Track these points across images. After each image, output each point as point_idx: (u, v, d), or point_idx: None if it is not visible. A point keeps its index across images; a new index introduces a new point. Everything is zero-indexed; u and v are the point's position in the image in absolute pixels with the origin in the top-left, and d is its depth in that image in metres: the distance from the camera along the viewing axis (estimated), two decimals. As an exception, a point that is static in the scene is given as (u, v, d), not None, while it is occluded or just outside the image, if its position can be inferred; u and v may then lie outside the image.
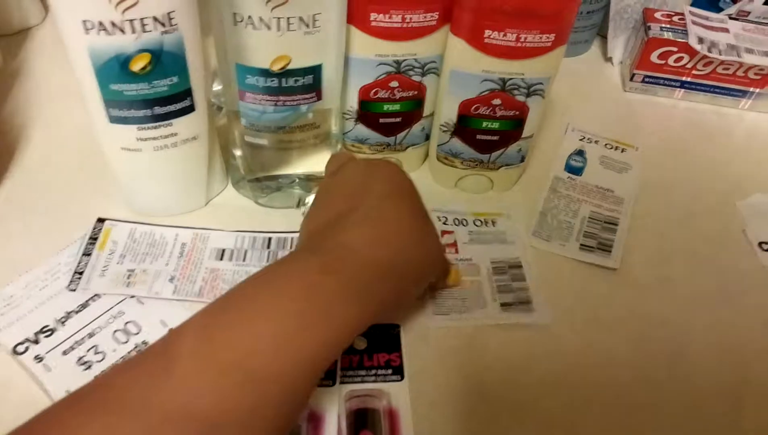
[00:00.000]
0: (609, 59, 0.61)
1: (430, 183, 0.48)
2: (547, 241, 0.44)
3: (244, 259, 0.42)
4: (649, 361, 0.38)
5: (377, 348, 0.38)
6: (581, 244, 0.45)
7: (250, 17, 0.34)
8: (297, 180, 0.45)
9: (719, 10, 0.61)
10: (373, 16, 0.38)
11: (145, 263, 0.41)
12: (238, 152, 0.43)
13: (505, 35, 0.37)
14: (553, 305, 0.40)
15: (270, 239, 0.43)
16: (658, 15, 0.56)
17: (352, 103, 0.43)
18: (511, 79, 0.40)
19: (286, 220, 0.44)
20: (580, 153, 0.51)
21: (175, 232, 0.43)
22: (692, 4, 0.65)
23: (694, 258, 0.45)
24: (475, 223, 0.45)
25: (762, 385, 0.38)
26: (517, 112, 0.42)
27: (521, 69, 0.39)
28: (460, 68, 0.40)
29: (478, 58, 0.39)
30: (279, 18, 0.34)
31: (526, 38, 0.37)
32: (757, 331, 0.41)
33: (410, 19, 0.38)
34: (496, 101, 0.41)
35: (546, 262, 0.43)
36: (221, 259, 0.42)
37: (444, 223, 0.44)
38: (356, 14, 0.38)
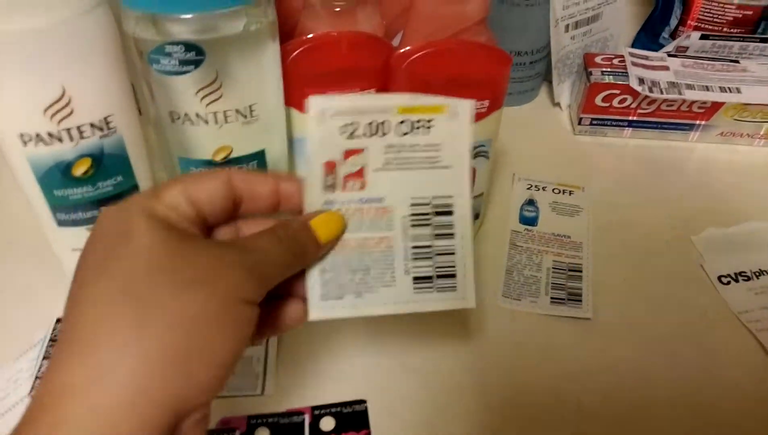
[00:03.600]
0: (557, 104, 0.62)
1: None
2: (518, 301, 0.44)
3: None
4: (616, 409, 0.38)
5: (345, 427, 0.38)
6: (551, 298, 0.45)
7: (186, 114, 0.35)
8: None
9: (660, 46, 0.63)
10: (311, 98, 0.39)
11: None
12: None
13: (441, 105, 0.38)
14: (521, 363, 0.40)
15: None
16: (598, 59, 0.57)
17: (303, 179, 0.44)
18: (453, 144, 0.41)
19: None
20: (531, 202, 0.52)
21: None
22: (633, 43, 0.67)
23: (655, 298, 0.45)
24: (400, 127, 0.29)
25: (730, 423, 0.38)
26: (465, 174, 0.43)
27: (462, 134, 0.40)
28: (403, 138, 0.41)
29: (418, 129, 0.40)
30: (215, 112, 0.35)
31: (461, 106, 0.38)
32: (722, 368, 0.41)
33: (348, 97, 0.39)
34: (442, 166, 0.42)
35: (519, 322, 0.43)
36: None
37: (350, 136, 0.28)
38: (294, 98, 0.39)
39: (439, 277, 0.29)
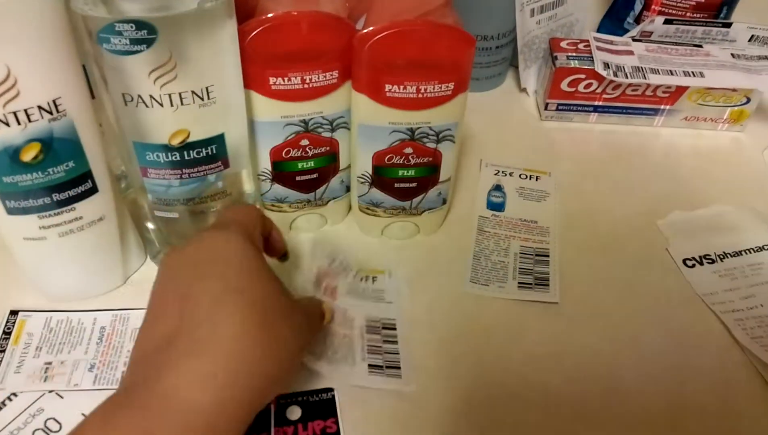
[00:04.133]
0: (524, 90, 0.62)
1: (356, 234, 0.48)
2: (485, 286, 0.44)
3: (167, 337, 0.40)
4: (583, 392, 0.38)
5: (312, 416, 0.37)
6: (519, 283, 0.45)
7: (140, 96, 0.33)
8: (219, 246, 0.44)
9: (625, 31, 0.63)
10: (272, 80, 0.38)
11: (63, 353, 0.39)
12: (151, 226, 0.42)
13: (404, 88, 0.37)
14: (489, 347, 0.40)
15: (193, 312, 0.42)
16: (563, 44, 0.57)
17: (266, 164, 0.43)
18: (418, 128, 0.40)
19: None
20: (498, 188, 0.51)
21: (93, 315, 0.42)
22: (599, 28, 0.68)
23: (621, 282, 0.45)
24: (356, 276, 0.43)
25: (696, 405, 0.38)
26: (430, 159, 0.42)
27: (427, 118, 0.39)
28: (367, 122, 0.40)
29: (382, 112, 0.39)
30: (170, 94, 0.33)
31: (426, 89, 0.38)
32: (687, 351, 0.41)
33: (310, 79, 0.38)
34: (408, 150, 0.41)
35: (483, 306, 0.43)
36: (143, 339, 0.40)
37: (330, 264, 0.43)
38: (255, 80, 0.38)
39: (387, 367, 0.39)
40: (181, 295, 0.28)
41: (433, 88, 0.38)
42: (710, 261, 0.47)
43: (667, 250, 0.48)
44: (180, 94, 0.34)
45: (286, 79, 0.38)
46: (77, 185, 0.36)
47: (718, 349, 0.42)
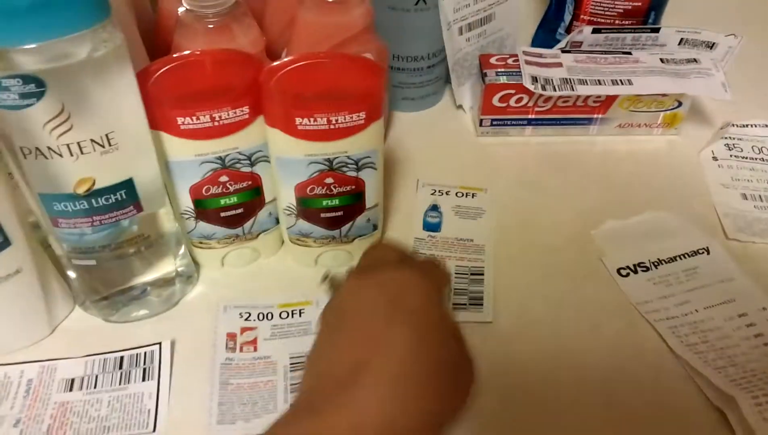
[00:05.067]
0: (460, 107, 0.62)
1: (290, 265, 0.48)
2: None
3: (95, 386, 0.40)
4: (517, 409, 0.38)
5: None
6: (453, 303, 0.44)
7: (37, 148, 0.33)
8: (148, 288, 0.43)
9: (557, 42, 0.64)
10: (180, 120, 0.37)
11: (-12, 411, 0.38)
12: (72, 275, 0.41)
13: (315, 120, 0.37)
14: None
15: (122, 358, 0.41)
16: (493, 60, 0.57)
17: (187, 203, 0.42)
18: (336, 157, 0.40)
19: (143, 332, 0.43)
20: (434, 208, 0.51)
21: (20, 368, 0.41)
22: (533, 41, 0.68)
23: (555, 295, 0.45)
24: (280, 316, 0.43)
25: (631, 413, 0.39)
26: (353, 187, 0.42)
27: (342, 148, 0.39)
28: (284, 155, 0.40)
29: (297, 144, 0.39)
30: (68, 144, 0.33)
31: (337, 120, 0.37)
32: (622, 362, 0.41)
33: (219, 117, 0.38)
34: (329, 180, 0.41)
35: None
36: (71, 389, 0.40)
37: (246, 320, 0.43)
38: (163, 120, 0.37)
39: None
40: (372, 327, 0.28)
41: (344, 119, 0.37)
42: (644, 268, 0.47)
43: (601, 261, 0.48)
44: (78, 143, 0.33)
45: (194, 117, 0.37)
46: (-14, 240, 0.36)
47: (653, 357, 0.42)
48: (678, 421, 0.38)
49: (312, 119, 0.37)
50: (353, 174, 0.41)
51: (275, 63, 0.36)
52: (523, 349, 0.42)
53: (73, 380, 0.40)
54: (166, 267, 0.43)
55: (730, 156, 0.58)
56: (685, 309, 0.44)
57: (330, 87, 0.37)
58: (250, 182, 0.42)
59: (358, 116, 0.38)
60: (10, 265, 0.38)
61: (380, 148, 0.41)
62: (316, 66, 0.36)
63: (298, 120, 0.37)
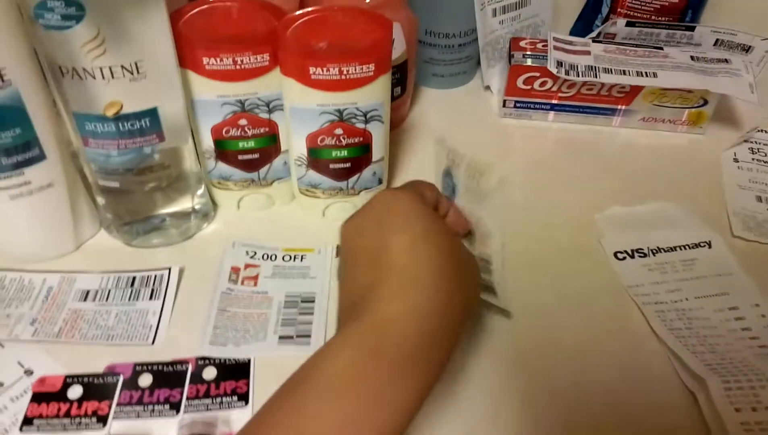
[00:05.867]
0: (488, 88, 0.64)
1: (300, 216, 0.50)
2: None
3: (107, 299, 0.43)
4: (503, 373, 0.40)
5: (226, 376, 0.39)
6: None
7: (74, 69, 0.36)
8: (167, 219, 0.47)
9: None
10: (205, 60, 0.40)
11: (11, 308, 0.42)
12: (102, 201, 0.45)
13: (328, 70, 0.40)
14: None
15: (134, 278, 0.45)
16: (523, 43, 0.59)
17: (208, 142, 0.45)
18: (346, 109, 0.42)
19: (158, 258, 0.46)
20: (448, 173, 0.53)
21: (43, 276, 0.45)
22: (571, 31, 0.69)
23: (548, 272, 0.46)
24: (283, 259, 0.46)
25: (605, 389, 0.39)
26: (361, 139, 0.44)
27: (352, 99, 0.42)
28: (297, 104, 0.43)
29: (310, 94, 0.41)
30: (101, 67, 0.36)
31: (348, 71, 0.40)
32: (602, 335, 0.42)
33: (242, 61, 0.41)
34: (338, 131, 0.44)
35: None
36: (85, 300, 0.43)
37: (251, 257, 0.46)
38: (189, 59, 0.40)
39: (297, 337, 0.41)
40: (373, 250, 0.33)
41: (355, 70, 0.40)
42: (642, 255, 0.48)
43: (600, 242, 0.49)
44: (110, 67, 0.37)
45: (218, 59, 0.40)
46: (25, 151, 0.40)
47: (633, 337, 0.42)
48: (651, 400, 0.39)
49: (325, 69, 0.40)
50: (361, 126, 0.43)
51: (290, 15, 0.39)
52: (516, 318, 0.43)
53: (88, 292, 0.44)
54: (185, 203, 0.47)
55: (753, 159, 0.57)
56: (675, 296, 0.45)
57: (342, 38, 0.39)
58: (267, 129, 0.45)
59: (368, 68, 0.40)
60: (44, 178, 0.42)
61: (387, 102, 0.43)
62: (328, 18, 0.39)
63: (311, 69, 0.40)
